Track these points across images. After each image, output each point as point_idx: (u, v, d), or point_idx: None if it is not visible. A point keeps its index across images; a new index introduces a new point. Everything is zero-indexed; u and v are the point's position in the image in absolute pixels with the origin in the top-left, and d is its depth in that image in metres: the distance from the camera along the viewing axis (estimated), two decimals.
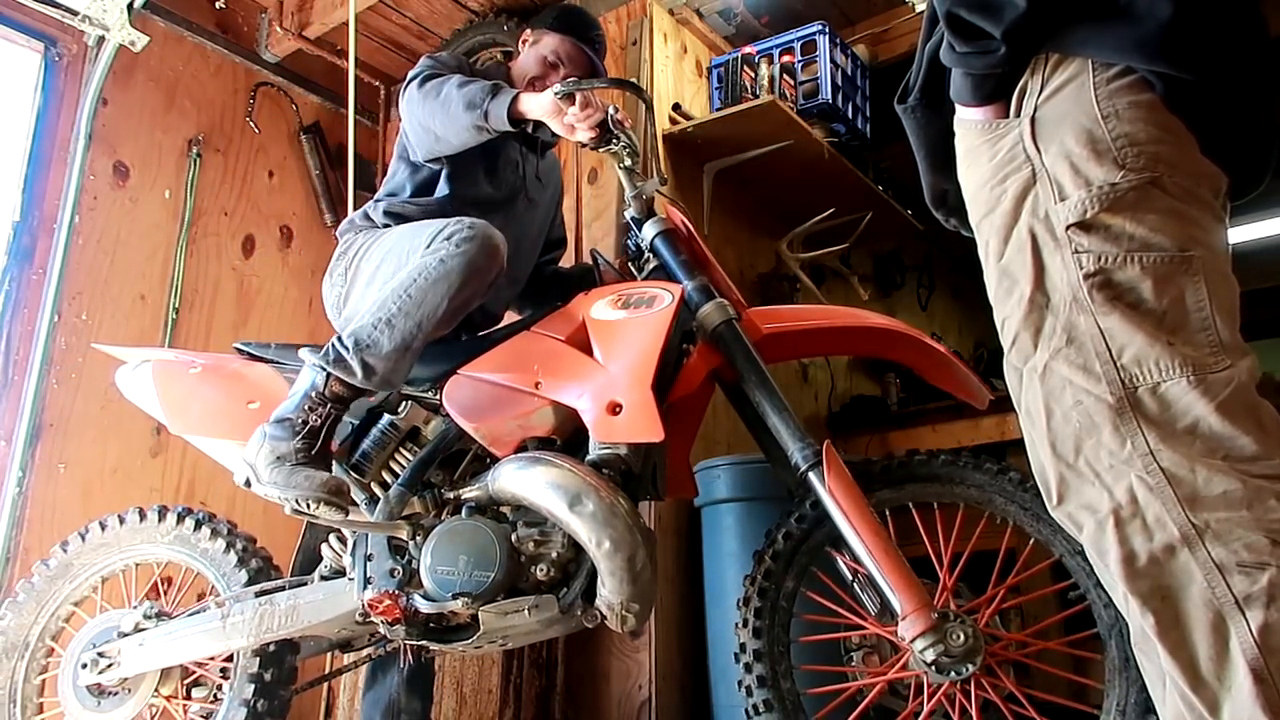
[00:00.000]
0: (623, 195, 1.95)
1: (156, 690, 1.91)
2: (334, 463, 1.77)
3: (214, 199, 3.34)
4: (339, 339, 1.76)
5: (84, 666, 1.91)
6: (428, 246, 1.79)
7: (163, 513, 1.99)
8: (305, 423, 1.71)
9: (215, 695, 1.93)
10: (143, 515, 2.00)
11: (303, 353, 1.84)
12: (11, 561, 2.62)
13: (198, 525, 1.97)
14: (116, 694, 1.92)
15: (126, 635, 1.91)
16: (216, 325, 3.25)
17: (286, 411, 1.74)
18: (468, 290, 1.76)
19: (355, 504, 1.77)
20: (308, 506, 1.67)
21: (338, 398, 1.74)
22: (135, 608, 1.95)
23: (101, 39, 2.94)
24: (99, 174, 3.01)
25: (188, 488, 3.06)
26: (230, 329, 3.28)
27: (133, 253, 3.07)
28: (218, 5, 3.46)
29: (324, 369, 1.73)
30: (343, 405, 1.76)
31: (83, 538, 2.02)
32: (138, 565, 2.04)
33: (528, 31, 2.28)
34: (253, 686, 1.82)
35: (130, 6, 2.88)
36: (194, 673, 1.95)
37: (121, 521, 2.01)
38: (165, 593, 2.05)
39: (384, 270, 1.89)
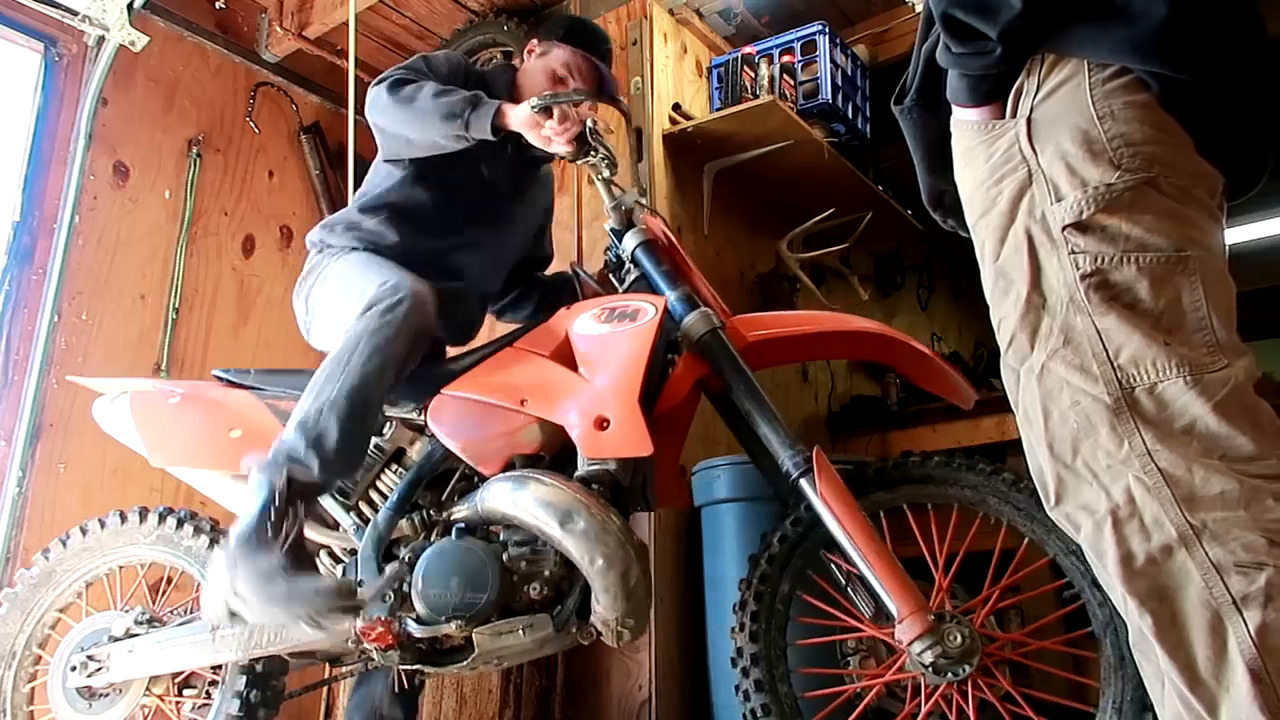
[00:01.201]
0: None
1: (148, 690, 1.90)
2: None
3: (214, 199, 3.34)
4: (282, 440, 1.65)
5: (73, 669, 1.89)
6: (362, 313, 1.73)
7: (144, 514, 1.98)
8: (279, 527, 1.56)
9: (207, 692, 1.92)
10: (124, 518, 1.98)
11: (245, 461, 1.68)
12: (11, 561, 2.62)
13: (180, 524, 1.95)
14: (107, 695, 1.90)
15: (117, 640, 1.89)
16: (216, 325, 3.25)
17: (248, 527, 1.56)
18: (403, 354, 1.70)
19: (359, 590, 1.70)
20: (321, 623, 1.54)
21: (304, 492, 1.62)
22: (126, 612, 1.93)
23: (101, 39, 2.94)
24: (99, 174, 3.01)
25: (187, 488, 3.02)
26: (230, 329, 3.29)
27: (133, 253, 3.07)
28: (218, 5, 3.46)
29: (280, 471, 1.60)
30: (311, 499, 1.66)
31: (64, 544, 2.00)
32: (122, 568, 2.01)
33: (535, 41, 2.20)
34: (246, 681, 1.81)
35: (130, 6, 2.88)
36: (185, 671, 1.93)
37: (103, 525, 1.99)
38: (162, 593, 2.04)
39: (335, 314, 1.87)
